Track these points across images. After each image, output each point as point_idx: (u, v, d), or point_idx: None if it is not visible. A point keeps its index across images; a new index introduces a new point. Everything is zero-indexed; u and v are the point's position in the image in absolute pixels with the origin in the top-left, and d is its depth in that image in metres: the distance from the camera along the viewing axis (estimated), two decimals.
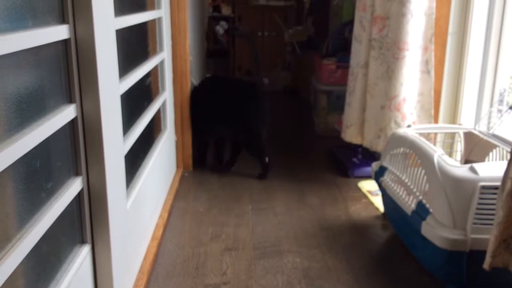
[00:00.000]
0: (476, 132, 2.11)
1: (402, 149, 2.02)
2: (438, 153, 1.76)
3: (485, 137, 2.04)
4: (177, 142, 2.89)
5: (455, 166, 1.68)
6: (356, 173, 2.91)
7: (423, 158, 1.81)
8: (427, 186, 1.77)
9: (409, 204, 1.86)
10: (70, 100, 1.23)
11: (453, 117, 2.64)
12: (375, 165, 2.28)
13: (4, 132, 0.92)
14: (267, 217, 2.37)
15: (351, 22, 3.81)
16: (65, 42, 1.19)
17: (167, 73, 2.58)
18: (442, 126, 2.27)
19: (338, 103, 3.89)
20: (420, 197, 1.80)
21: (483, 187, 1.58)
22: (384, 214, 2.37)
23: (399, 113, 2.51)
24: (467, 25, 2.50)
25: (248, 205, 2.50)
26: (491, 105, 2.50)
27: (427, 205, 1.74)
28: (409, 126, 2.20)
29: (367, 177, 2.85)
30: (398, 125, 2.52)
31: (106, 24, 1.34)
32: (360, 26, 2.69)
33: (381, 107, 2.57)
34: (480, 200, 1.59)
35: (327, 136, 3.73)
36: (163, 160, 2.44)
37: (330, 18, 4.88)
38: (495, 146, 1.98)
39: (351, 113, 2.78)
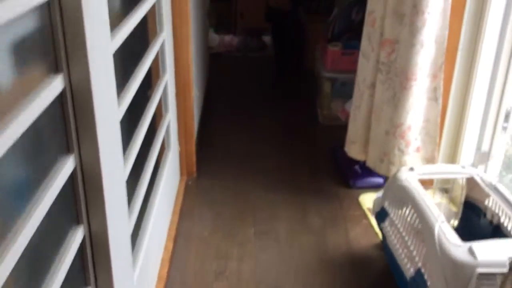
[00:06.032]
0: (478, 180, 2.12)
1: (403, 203, 2.04)
2: (439, 222, 1.79)
3: (486, 188, 2.06)
4: (180, 152, 2.91)
5: (455, 244, 1.72)
6: (358, 184, 2.92)
7: (424, 225, 1.84)
8: (426, 255, 1.82)
9: (408, 267, 1.91)
10: (68, 151, 1.14)
11: (455, 144, 2.64)
12: (376, 203, 2.31)
13: None
14: (269, 244, 2.44)
15: (359, 2, 3.68)
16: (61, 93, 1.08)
17: (170, 92, 2.55)
18: (445, 169, 2.27)
19: (342, 90, 3.82)
20: (419, 265, 1.85)
21: (481, 274, 1.63)
22: (382, 242, 2.43)
23: (403, 140, 2.51)
24: (475, 55, 2.44)
25: (251, 228, 2.56)
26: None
27: (425, 276, 1.80)
28: (411, 169, 2.20)
29: (370, 187, 2.89)
30: (401, 151, 2.52)
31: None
32: (368, 41, 2.61)
33: (386, 132, 2.56)
34: (477, 285, 1.64)
35: (330, 125, 3.72)
36: (167, 179, 2.46)
37: None
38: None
39: (355, 130, 2.77)
